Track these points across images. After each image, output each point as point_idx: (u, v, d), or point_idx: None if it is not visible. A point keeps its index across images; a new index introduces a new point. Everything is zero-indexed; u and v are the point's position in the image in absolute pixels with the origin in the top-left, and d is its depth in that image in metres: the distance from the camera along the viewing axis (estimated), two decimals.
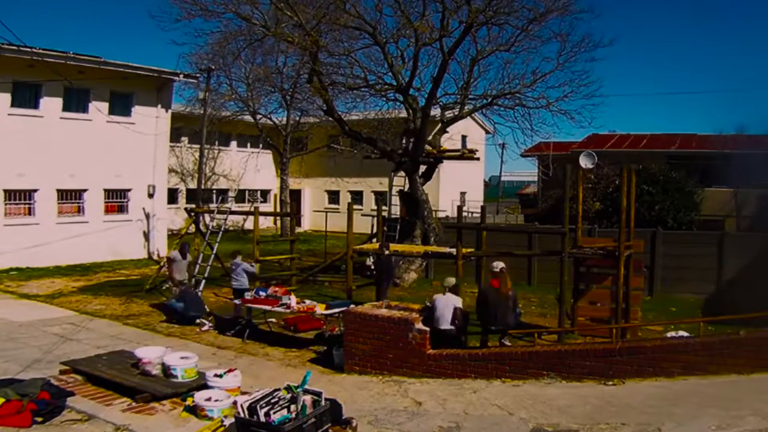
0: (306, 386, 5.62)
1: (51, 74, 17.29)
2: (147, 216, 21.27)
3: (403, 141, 18.71)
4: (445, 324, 9.17)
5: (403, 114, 20.05)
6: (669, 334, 10.91)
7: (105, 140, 19.74)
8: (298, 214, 33.03)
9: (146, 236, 21.35)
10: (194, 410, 6.22)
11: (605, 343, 9.54)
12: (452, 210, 27.68)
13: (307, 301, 11.18)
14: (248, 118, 28.84)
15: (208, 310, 12.62)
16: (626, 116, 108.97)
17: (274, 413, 5.19)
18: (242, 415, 5.28)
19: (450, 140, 25.92)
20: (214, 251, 15.23)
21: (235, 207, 24.16)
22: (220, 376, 6.71)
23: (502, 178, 50.17)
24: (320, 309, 10.72)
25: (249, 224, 29.81)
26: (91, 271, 18.16)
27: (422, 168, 18.87)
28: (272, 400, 5.29)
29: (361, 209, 28.98)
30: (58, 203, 19.24)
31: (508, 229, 19.99)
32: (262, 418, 5.15)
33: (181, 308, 11.94)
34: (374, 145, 18.86)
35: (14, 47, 15.69)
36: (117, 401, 6.71)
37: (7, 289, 15.09)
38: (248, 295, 11.20)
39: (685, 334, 10.28)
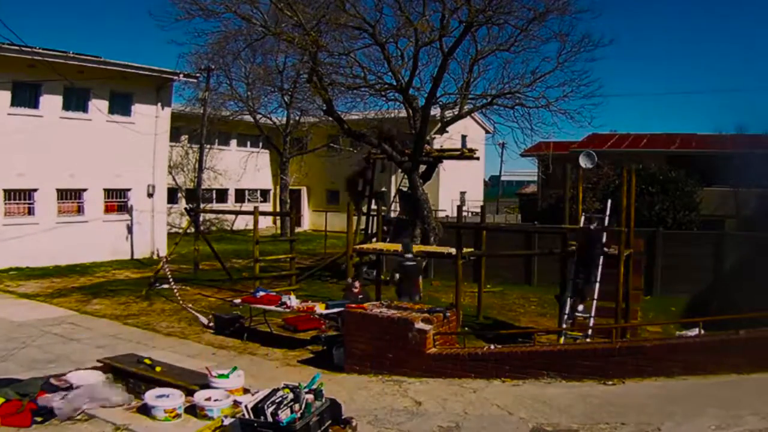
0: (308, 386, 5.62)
1: (51, 74, 17.28)
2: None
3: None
4: None
5: (403, 114, 20.06)
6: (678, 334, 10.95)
7: (105, 140, 19.73)
8: (298, 213, 33.05)
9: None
10: (194, 410, 6.22)
11: (605, 342, 9.54)
12: (452, 210, 27.69)
13: (312, 303, 11.18)
14: (248, 117, 28.84)
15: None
16: (626, 116, 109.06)
17: (281, 412, 5.19)
18: (247, 416, 5.27)
19: (450, 140, 25.92)
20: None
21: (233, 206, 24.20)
22: (226, 376, 6.67)
23: (502, 178, 50.30)
24: (320, 309, 10.72)
25: (239, 224, 29.97)
26: (91, 271, 18.17)
27: (422, 168, 18.87)
28: (276, 400, 5.29)
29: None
30: (58, 203, 19.23)
31: (508, 228, 20.04)
32: (269, 419, 5.15)
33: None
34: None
35: (15, 47, 15.69)
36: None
37: (7, 289, 15.09)
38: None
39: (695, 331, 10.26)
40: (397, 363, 8.53)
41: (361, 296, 11.14)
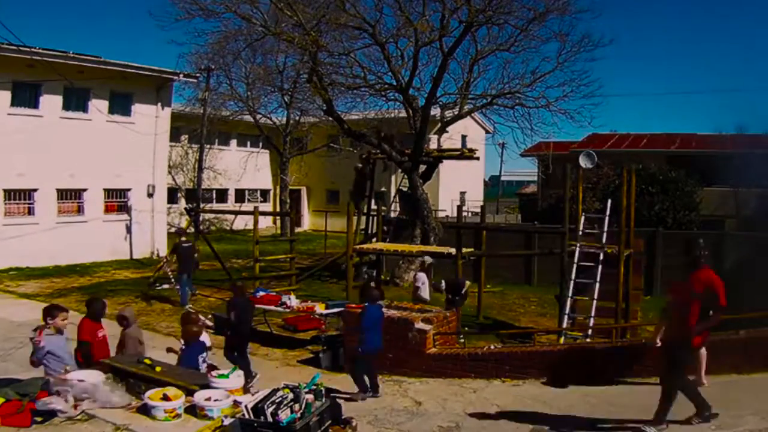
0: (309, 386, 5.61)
1: (51, 74, 17.27)
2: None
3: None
4: None
5: (403, 114, 20.08)
6: None
7: (105, 140, 19.72)
8: (298, 213, 33.04)
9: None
10: (194, 410, 6.21)
11: (605, 342, 9.55)
12: (452, 210, 27.68)
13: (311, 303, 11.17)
14: (248, 117, 28.84)
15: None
16: (626, 116, 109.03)
17: (281, 412, 5.19)
18: (247, 416, 5.26)
19: (450, 140, 25.92)
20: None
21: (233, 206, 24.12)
22: (226, 376, 6.67)
23: (502, 178, 50.26)
24: (320, 309, 10.72)
25: (239, 224, 29.92)
26: (91, 271, 18.16)
27: (422, 168, 18.88)
28: (276, 400, 5.27)
29: None
30: (58, 203, 19.22)
31: (508, 228, 20.04)
32: (269, 419, 5.14)
33: None
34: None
35: (14, 47, 15.68)
36: None
37: (7, 289, 15.09)
38: None
39: None
40: (397, 363, 8.54)
41: None
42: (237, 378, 6.73)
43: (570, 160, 21.37)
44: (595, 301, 11.19)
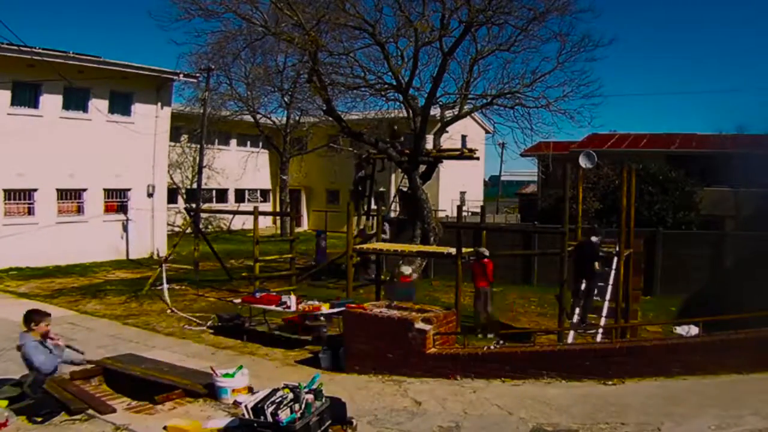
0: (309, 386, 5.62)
1: (51, 74, 17.28)
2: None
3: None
4: None
5: (403, 114, 20.06)
6: (678, 329, 10.99)
7: (105, 140, 19.73)
8: (297, 213, 33.03)
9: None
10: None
11: (605, 343, 9.55)
12: (452, 210, 27.69)
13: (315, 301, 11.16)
14: (248, 117, 28.84)
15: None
16: (626, 116, 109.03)
17: (281, 412, 5.19)
18: (247, 416, 5.27)
19: (450, 140, 25.91)
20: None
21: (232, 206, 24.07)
22: (231, 375, 6.67)
23: (502, 178, 50.27)
24: (325, 308, 10.69)
25: (237, 223, 29.85)
26: (91, 271, 18.16)
27: (422, 167, 18.86)
28: (276, 400, 5.28)
29: None
30: (58, 203, 19.25)
31: (508, 228, 20.03)
32: (269, 418, 5.14)
33: None
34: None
35: (14, 47, 15.70)
36: (117, 401, 6.72)
37: (7, 289, 15.09)
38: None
39: (695, 329, 10.31)
40: (397, 363, 8.53)
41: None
42: (241, 377, 6.74)
43: (570, 160, 21.35)
44: (607, 302, 11.24)
